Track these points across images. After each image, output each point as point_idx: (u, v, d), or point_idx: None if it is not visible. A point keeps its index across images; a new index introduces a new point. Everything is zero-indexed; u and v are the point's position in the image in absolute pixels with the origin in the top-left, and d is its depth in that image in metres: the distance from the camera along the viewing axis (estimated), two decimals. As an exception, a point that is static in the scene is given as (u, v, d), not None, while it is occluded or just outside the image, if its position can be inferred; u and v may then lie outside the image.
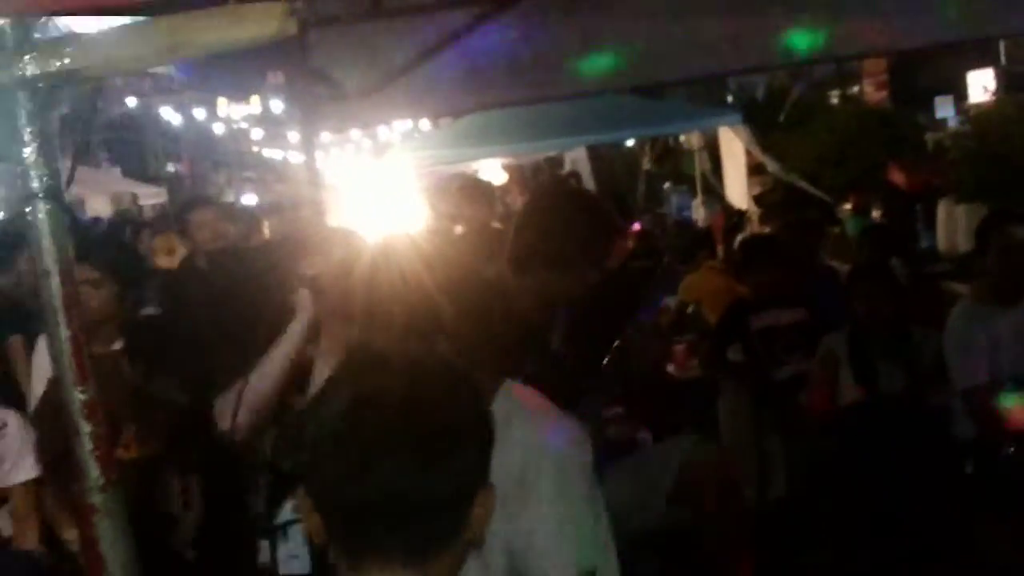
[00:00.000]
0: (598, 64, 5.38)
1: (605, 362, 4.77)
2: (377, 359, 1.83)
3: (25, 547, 4.61)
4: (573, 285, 4.23)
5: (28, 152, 1.66)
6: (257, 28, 1.60)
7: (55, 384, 4.98)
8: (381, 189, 13.48)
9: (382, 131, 22.39)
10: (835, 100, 24.68)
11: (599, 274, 4.33)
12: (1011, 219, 6.05)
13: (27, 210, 1.68)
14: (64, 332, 1.68)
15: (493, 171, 16.34)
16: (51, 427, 4.82)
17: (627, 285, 7.22)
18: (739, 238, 11.27)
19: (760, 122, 14.35)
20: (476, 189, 8.70)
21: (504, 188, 15.41)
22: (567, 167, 19.15)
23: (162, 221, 16.00)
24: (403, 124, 19.27)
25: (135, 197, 27.05)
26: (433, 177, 14.18)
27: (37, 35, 1.68)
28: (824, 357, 6.78)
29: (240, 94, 25.09)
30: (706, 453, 4.85)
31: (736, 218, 12.90)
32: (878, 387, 6.51)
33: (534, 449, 2.62)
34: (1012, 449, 5.72)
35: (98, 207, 25.17)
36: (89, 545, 1.71)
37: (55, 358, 1.71)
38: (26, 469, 4.64)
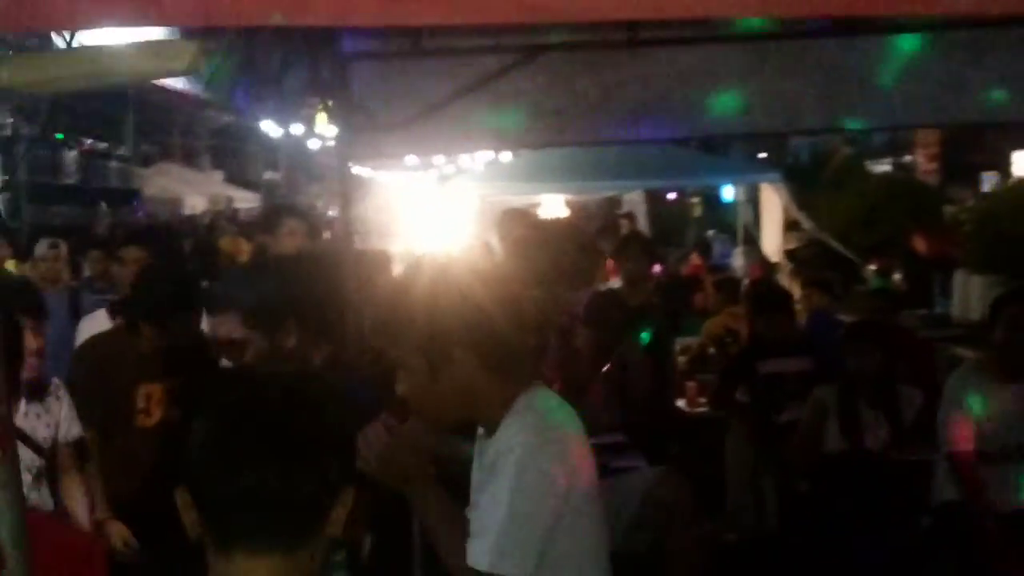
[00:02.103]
0: (614, 116, 5.42)
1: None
2: (256, 376, 1.90)
3: (71, 504, 4.67)
4: (556, 305, 4.28)
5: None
6: (170, 63, 1.66)
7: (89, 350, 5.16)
8: (445, 214, 13.65)
9: (464, 159, 22.50)
10: (887, 167, 24.48)
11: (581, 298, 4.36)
12: None
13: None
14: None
15: (556, 206, 16.38)
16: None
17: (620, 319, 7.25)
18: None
19: (802, 181, 14.30)
20: (521, 217, 8.77)
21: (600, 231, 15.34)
22: (624, 208, 19.16)
23: (239, 225, 16.15)
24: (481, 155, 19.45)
25: (230, 200, 27.42)
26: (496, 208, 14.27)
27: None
28: (814, 406, 6.76)
29: (284, 119, 25.73)
30: (669, 486, 4.85)
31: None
32: (862, 440, 6.48)
33: (507, 441, 2.63)
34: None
35: (195, 205, 25.59)
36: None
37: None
38: (75, 430, 4.75)
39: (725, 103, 5.64)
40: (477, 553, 2.60)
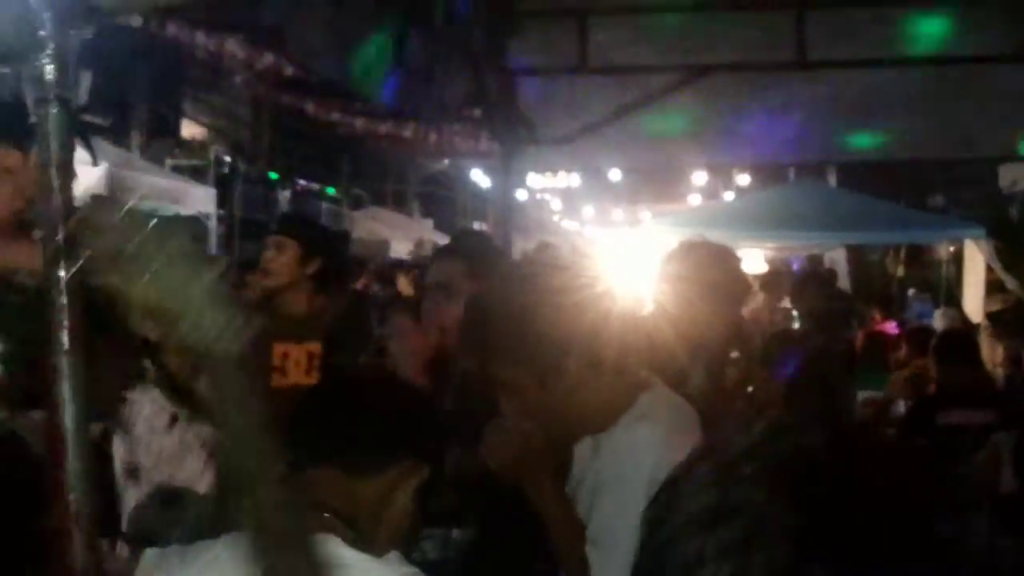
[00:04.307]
0: (773, 140, 5.40)
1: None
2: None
3: None
4: (707, 328, 4.21)
5: (46, 61, 1.84)
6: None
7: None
8: (639, 257, 13.65)
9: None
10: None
11: (731, 324, 4.32)
12: None
13: (39, 112, 1.85)
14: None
15: (756, 262, 16.21)
16: None
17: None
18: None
19: (1008, 238, 13.78)
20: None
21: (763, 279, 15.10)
22: (826, 264, 18.86)
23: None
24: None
25: (435, 245, 27.92)
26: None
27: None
28: (988, 452, 6.52)
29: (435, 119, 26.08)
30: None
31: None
32: (1037, 489, 6.22)
33: (638, 447, 2.61)
34: None
35: (400, 249, 26.28)
36: (52, 405, 1.84)
37: (48, 238, 1.84)
38: None
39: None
40: (607, 568, 2.56)
